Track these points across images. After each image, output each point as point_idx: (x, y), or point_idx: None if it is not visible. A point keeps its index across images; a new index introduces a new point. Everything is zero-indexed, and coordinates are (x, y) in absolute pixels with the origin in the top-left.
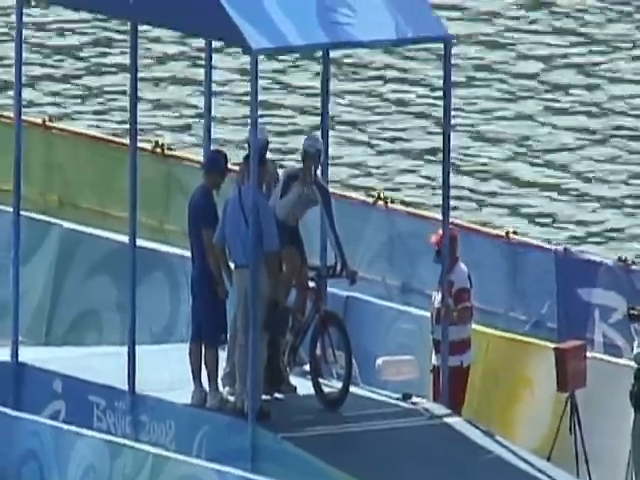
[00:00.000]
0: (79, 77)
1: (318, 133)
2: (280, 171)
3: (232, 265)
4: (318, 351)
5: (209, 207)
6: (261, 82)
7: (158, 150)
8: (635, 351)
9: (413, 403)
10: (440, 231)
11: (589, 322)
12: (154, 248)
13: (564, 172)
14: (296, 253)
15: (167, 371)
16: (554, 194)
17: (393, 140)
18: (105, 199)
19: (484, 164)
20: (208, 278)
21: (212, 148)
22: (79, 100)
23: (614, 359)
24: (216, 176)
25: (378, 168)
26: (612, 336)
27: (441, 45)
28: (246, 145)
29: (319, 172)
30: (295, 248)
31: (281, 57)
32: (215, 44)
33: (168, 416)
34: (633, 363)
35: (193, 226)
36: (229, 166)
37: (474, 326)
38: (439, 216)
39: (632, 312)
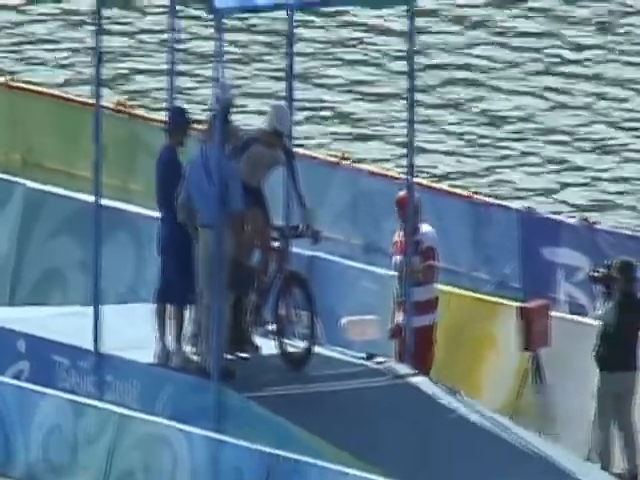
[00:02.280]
0: (41, 34)
1: (283, 104)
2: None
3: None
4: (282, 311)
5: (176, 165)
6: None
7: (121, 109)
8: (597, 312)
9: (378, 363)
10: (402, 192)
11: (553, 281)
12: (118, 208)
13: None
14: (259, 214)
15: (131, 330)
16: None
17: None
18: (69, 159)
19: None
20: (177, 237)
21: (171, 105)
22: (42, 58)
23: (578, 318)
24: (179, 134)
25: (345, 133)
26: (576, 295)
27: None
28: (211, 105)
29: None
30: (258, 209)
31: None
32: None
33: (132, 375)
34: (597, 322)
35: (161, 185)
36: (192, 125)
37: (439, 286)
38: (403, 176)
39: (593, 274)
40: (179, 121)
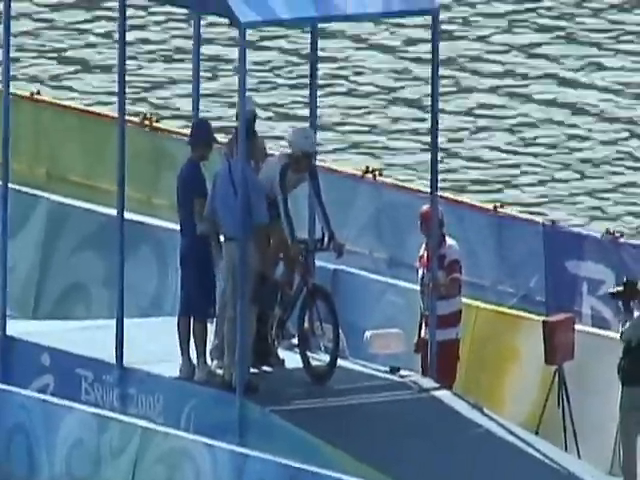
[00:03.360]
0: (66, 50)
1: (309, 129)
2: (273, 152)
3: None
4: (306, 324)
5: (198, 180)
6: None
7: (146, 123)
8: (621, 329)
9: (401, 376)
10: (425, 206)
11: (577, 295)
12: (142, 221)
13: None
14: (283, 227)
15: (155, 344)
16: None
17: (385, 117)
18: (93, 172)
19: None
20: (197, 251)
21: (196, 119)
22: (67, 73)
23: (602, 332)
24: (203, 148)
25: (370, 147)
26: (600, 309)
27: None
28: (234, 118)
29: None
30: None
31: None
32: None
33: (156, 389)
34: (619, 338)
35: (182, 200)
36: (216, 138)
37: (462, 299)
38: (427, 189)
39: (613, 291)
40: (202, 135)
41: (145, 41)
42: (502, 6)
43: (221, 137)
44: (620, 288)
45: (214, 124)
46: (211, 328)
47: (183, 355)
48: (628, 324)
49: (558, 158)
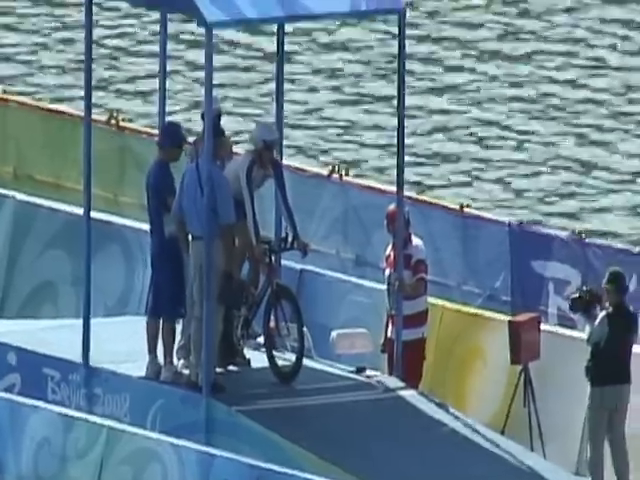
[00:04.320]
0: (35, 52)
1: (271, 120)
2: (237, 150)
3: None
4: (271, 324)
5: (168, 181)
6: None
7: (113, 122)
8: (586, 334)
9: (367, 376)
10: (391, 206)
11: (543, 295)
12: (109, 220)
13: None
14: (248, 226)
15: (122, 344)
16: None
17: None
18: (60, 171)
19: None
20: (168, 251)
21: (166, 120)
22: (36, 73)
23: (568, 332)
24: (173, 150)
25: (335, 143)
26: (566, 309)
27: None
28: (200, 118)
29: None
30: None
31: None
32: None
33: (123, 389)
34: (585, 340)
35: (152, 201)
36: (186, 139)
37: (428, 299)
38: (393, 189)
39: (571, 301)
40: (173, 137)
41: (109, 38)
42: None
43: (190, 138)
44: (575, 295)
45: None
46: (178, 327)
47: (150, 355)
48: (592, 328)
49: (524, 156)
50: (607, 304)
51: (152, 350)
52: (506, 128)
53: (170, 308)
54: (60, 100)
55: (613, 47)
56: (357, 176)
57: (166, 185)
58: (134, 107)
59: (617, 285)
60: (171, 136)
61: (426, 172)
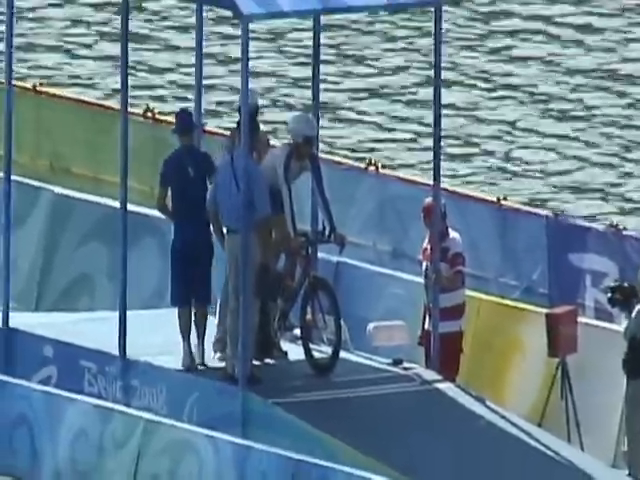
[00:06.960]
0: (71, 43)
1: (309, 115)
2: (274, 143)
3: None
4: (308, 316)
5: (182, 168)
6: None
7: (149, 115)
8: (624, 326)
9: (404, 369)
10: (428, 199)
11: (580, 288)
12: (145, 213)
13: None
14: (285, 219)
15: (158, 336)
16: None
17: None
18: (96, 164)
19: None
20: (188, 239)
21: (180, 109)
22: (70, 65)
23: (605, 324)
24: (186, 137)
25: (374, 141)
26: (603, 301)
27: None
28: (237, 111)
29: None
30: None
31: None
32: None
33: (159, 381)
34: (623, 334)
35: (169, 188)
36: (199, 127)
37: (465, 292)
38: (430, 181)
39: (611, 298)
40: (185, 124)
41: (147, 33)
42: None
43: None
44: (614, 288)
45: (218, 116)
46: (214, 320)
47: (184, 346)
48: (629, 322)
49: (562, 150)
50: None
51: (186, 341)
52: (541, 126)
53: (208, 296)
54: (96, 92)
55: None
56: (393, 168)
57: (180, 172)
58: (170, 100)
59: None
60: (183, 123)
61: (462, 165)
